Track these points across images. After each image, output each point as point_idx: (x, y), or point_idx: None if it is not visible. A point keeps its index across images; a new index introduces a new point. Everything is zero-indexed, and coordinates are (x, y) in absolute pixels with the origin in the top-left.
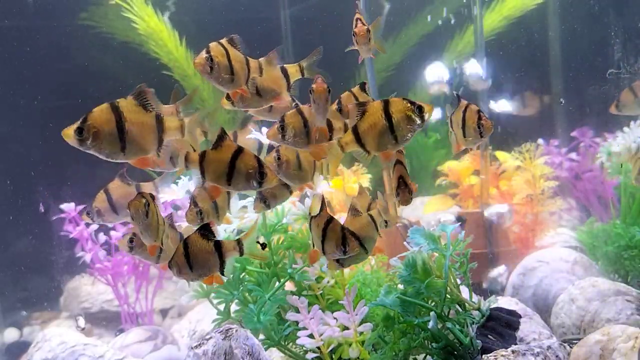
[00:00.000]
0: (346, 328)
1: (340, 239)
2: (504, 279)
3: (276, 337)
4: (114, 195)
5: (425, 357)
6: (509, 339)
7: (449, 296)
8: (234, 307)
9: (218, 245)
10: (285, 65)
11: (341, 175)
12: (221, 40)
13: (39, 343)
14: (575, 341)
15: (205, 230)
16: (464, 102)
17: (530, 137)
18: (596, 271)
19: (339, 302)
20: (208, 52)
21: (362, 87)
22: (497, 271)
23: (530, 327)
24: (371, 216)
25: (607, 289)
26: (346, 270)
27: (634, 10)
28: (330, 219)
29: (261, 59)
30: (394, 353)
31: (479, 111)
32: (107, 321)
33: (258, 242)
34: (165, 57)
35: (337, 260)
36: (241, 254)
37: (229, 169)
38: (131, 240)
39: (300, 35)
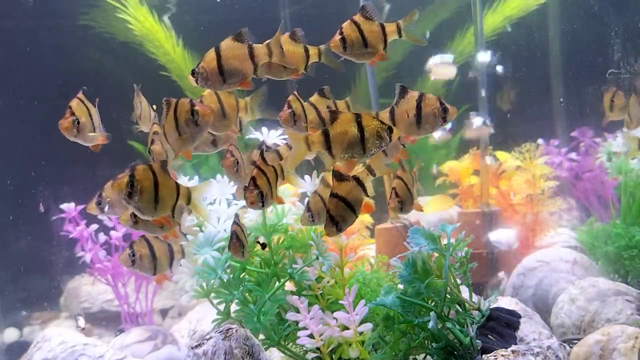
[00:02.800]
0: (346, 328)
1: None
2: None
3: (276, 337)
4: None
5: (425, 357)
6: (509, 339)
7: (449, 296)
8: (234, 307)
9: None
10: (307, 46)
11: None
12: (223, 42)
13: (39, 343)
14: (575, 341)
15: None
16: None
17: (530, 137)
18: (596, 271)
19: (339, 302)
20: (197, 65)
21: (321, 92)
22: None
23: (530, 327)
24: (357, 179)
25: (607, 289)
26: (346, 270)
27: (634, 10)
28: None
29: (285, 36)
30: (394, 353)
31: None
32: (107, 321)
33: (258, 242)
34: (162, 58)
35: (335, 226)
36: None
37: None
38: (132, 254)
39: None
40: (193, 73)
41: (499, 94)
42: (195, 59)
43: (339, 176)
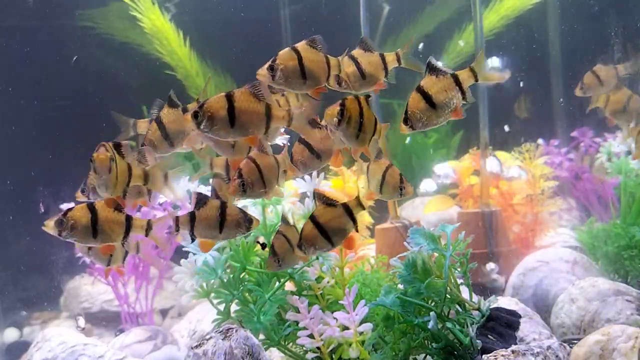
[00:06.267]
0: (346, 328)
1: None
2: (496, 275)
3: (276, 337)
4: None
5: (425, 357)
6: (509, 339)
7: (449, 296)
8: (234, 307)
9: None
10: (384, 53)
11: (341, 175)
12: (299, 44)
13: (39, 343)
14: (575, 341)
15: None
16: (385, 160)
17: (530, 137)
18: (596, 271)
19: (339, 302)
20: (272, 61)
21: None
22: (489, 267)
23: (530, 327)
24: (346, 206)
25: (607, 289)
26: (346, 270)
27: (634, 10)
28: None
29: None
30: (394, 353)
31: (400, 174)
32: (107, 321)
33: (258, 242)
34: (168, 57)
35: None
36: None
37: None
38: (60, 223)
39: (301, 35)
40: (272, 68)
41: (516, 102)
42: (198, 58)
43: (325, 201)
